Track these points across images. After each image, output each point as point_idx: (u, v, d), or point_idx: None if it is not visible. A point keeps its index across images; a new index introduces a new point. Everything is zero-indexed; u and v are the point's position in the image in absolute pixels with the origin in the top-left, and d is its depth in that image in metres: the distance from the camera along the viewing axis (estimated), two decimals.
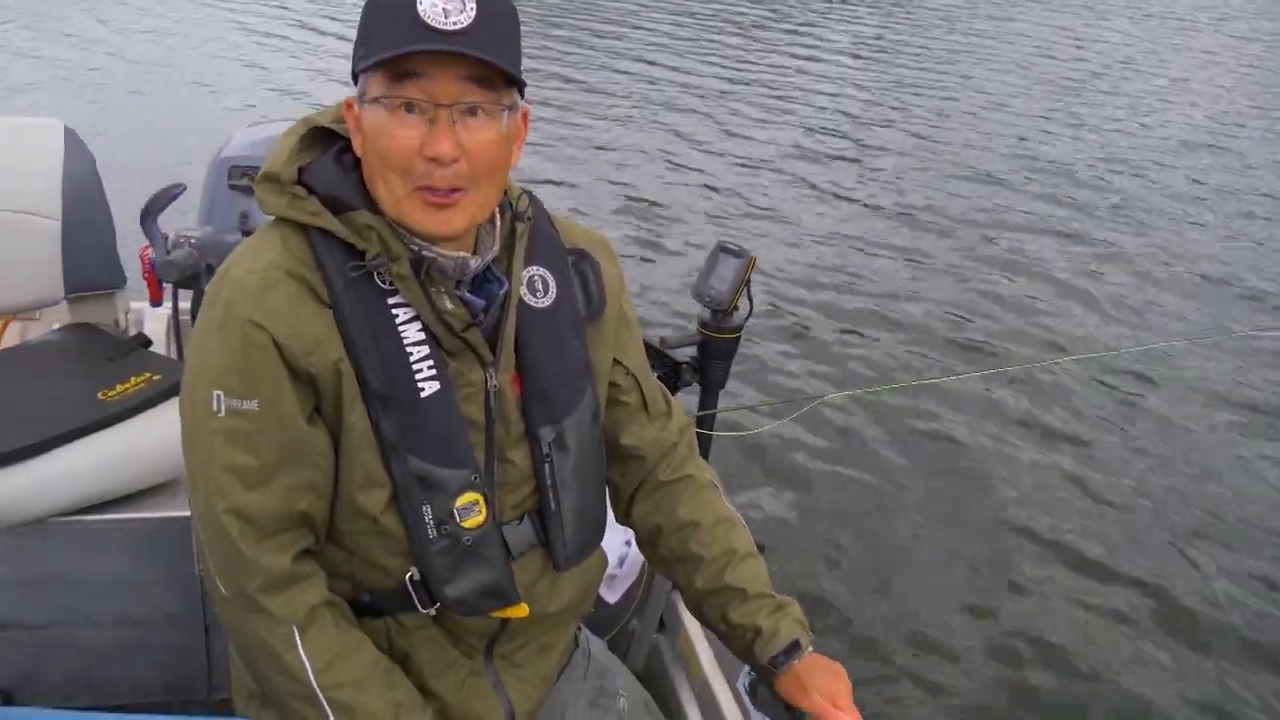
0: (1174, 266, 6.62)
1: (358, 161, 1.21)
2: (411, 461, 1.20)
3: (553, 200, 1.43)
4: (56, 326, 2.26)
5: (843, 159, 8.45)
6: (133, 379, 1.96)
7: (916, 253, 6.55)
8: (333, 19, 13.11)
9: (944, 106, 10.27)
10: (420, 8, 1.11)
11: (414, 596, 1.25)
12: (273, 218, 1.22)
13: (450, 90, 1.13)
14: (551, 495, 1.31)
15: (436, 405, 1.20)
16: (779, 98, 10.30)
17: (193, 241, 2.12)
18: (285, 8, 13.97)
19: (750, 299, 2.26)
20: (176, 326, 2.40)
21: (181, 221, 2.24)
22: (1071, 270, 6.43)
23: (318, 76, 10.05)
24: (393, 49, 1.11)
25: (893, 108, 10.16)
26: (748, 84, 10.83)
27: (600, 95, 9.99)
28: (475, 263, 1.23)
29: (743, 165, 8.13)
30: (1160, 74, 12.59)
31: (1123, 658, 3.39)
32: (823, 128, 9.34)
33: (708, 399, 2.36)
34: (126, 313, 2.34)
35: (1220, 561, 3.85)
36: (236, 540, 1.17)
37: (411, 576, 1.25)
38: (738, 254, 2.22)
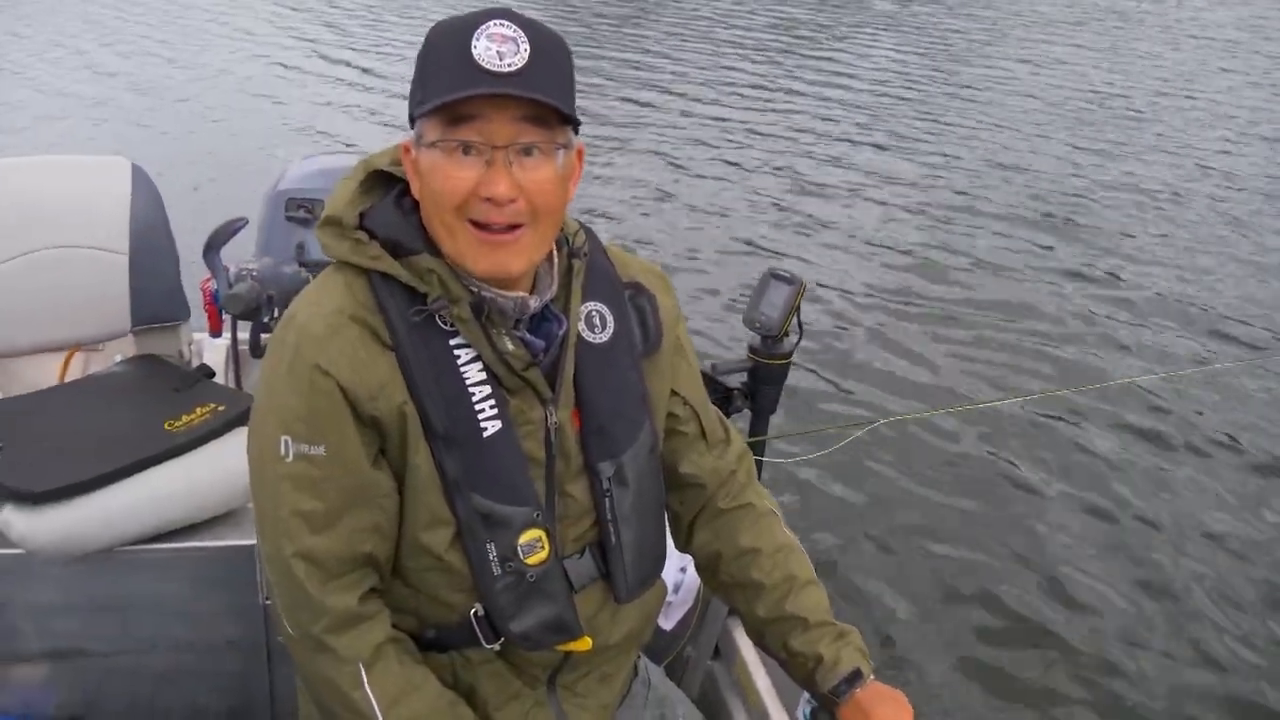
0: (1231, 289, 6.49)
1: (417, 205, 1.22)
2: (475, 500, 1.21)
3: (599, 229, 1.44)
4: (120, 358, 2.31)
5: (891, 181, 8.39)
6: (198, 409, 2.00)
7: (968, 279, 6.50)
8: (378, 50, 13.30)
9: (992, 132, 10.13)
10: (474, 51, 1.12)
11: (479, 632, 1.27)
12: (334, 260, 1.25)
13: (506, 132, 1.14)
14: (612, 529, 1.32)
15: (499, 444, 1.22)
16: (824, 122, 10.26)
17: (254, 274, 2.17)
18: (335, 38, 14.17)
19: (800, 325, 2.26)
20: (235, 357, 2.45)
21: (237, 252, 2.29)
22: (1125, 296, 6.34)
23: (369, 108, 10.17)
24: (448, 93, 1.13)
25: (938, 131, 10.08)
26: (792, 110, 10.81)
27: (642, 123, 10.02)
28: (534, 303, 1.25)
29: (790, 190, 8.12)
30: (1199, 100, 12.33)
31: (1194, 693, 3.33)
32: (869, 150, 9.30)
33: (758, 425, 2.36)
34: (190, 344, 2.39)
35: None
36: (304, 582, 1.19)
37: (476, 612, 1.26)
38: (788, 280, 2.23)
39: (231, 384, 2.44)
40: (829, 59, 13.74)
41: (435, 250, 1.21)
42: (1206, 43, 15.92)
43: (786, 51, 14.25)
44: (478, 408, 1.21)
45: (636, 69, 12.69)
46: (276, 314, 2.19)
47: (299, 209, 2.40)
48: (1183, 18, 18.58)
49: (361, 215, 1.23)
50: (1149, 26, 17.68)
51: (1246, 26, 17.16)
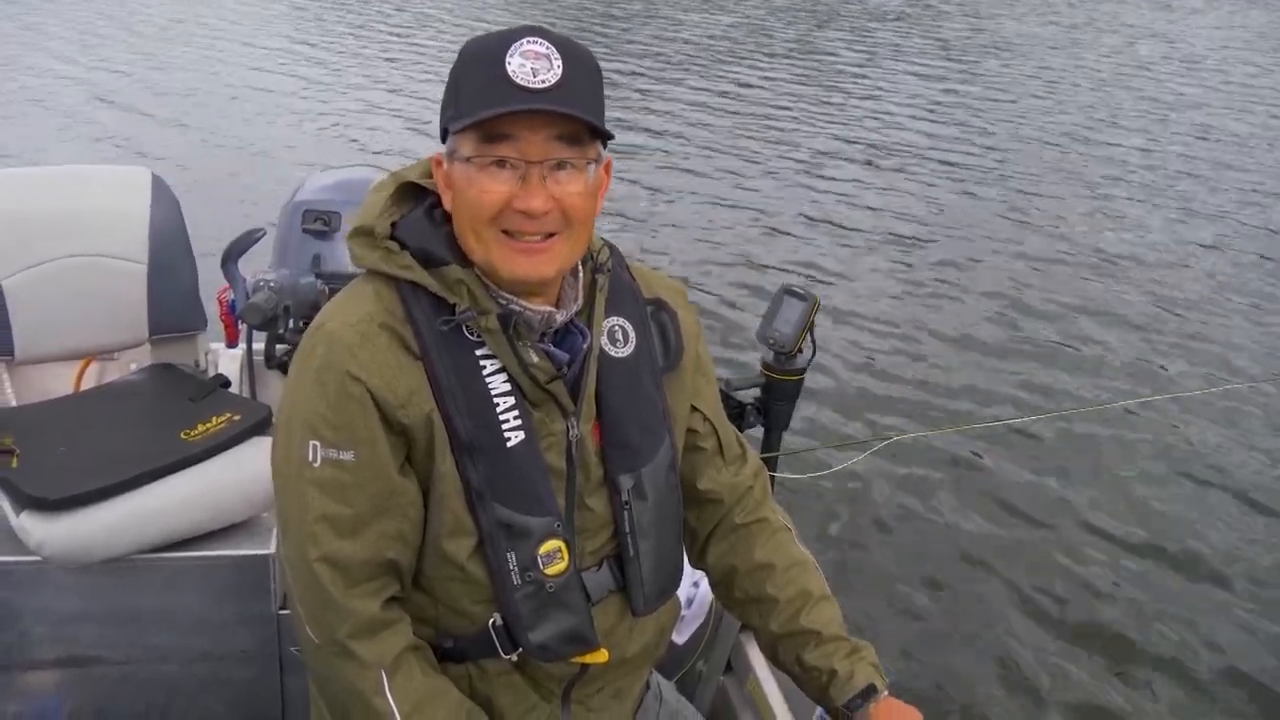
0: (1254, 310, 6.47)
1: (448, 216, 1.24)
2: (497, 509, 1.22)
3: (618, 244, 1.46)
4: (136, 367, 2.33)
5: (907, 198, 8.37)
6: (214, 419, 2.01)
7: (980, 295, 6.49)
8: (397, 66, 13.35)
9: (1015, 147, 10.11)
10: (509, 67, 1.14)
11: (496, 642, 1.27)
12: (365, 270, 1.26)
13: (540, 148, 1.16)
14: (630, 542, 1.33)
15: (521, 454, 1.23)
16: (840, 139, 10.25)
17: (271, 285, 2.18)
18: (354, 55, 14.24)
19: (814, 341, 2.26)
20: (251, 367, 2.46)
21: (253, 264, 2.30)
22: (1143, 313, 6.33)
23: (387, 123, 10.15)
24: (484, 110, 1.14)
25: (960, 148, 10.05)
26: (809, 125, 10.81)
27: (659, 138, 10.02)
28: (560, 316, 1.26)
29: (805, 206, 8.11)
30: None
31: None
32: (886, 167, 9.29)
33: (771, 440, 2.37)
34: (206, 354, 2.40)
35: None
36: (328, 587, 1.20)
37: (494, 622, 1.27)
38: (802, 297, 2.23)
39: (247, 394, 2.45)
40: (848, 78, 13.74)
41: (465, 262, 1.22)
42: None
43: (805, 69, 14.26)
44: (502, 418, 1.22)
45: (647, 82, 12.71)
46: (293, 325, 2.20)
47: (316, 220, 2.40)
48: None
49: (393, 226, 1.25)
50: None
51: (1234, 51, 17.16)
